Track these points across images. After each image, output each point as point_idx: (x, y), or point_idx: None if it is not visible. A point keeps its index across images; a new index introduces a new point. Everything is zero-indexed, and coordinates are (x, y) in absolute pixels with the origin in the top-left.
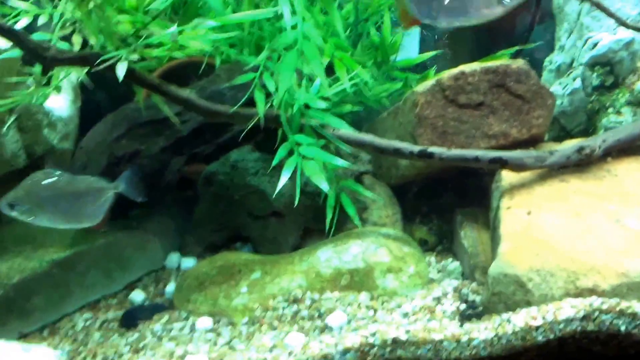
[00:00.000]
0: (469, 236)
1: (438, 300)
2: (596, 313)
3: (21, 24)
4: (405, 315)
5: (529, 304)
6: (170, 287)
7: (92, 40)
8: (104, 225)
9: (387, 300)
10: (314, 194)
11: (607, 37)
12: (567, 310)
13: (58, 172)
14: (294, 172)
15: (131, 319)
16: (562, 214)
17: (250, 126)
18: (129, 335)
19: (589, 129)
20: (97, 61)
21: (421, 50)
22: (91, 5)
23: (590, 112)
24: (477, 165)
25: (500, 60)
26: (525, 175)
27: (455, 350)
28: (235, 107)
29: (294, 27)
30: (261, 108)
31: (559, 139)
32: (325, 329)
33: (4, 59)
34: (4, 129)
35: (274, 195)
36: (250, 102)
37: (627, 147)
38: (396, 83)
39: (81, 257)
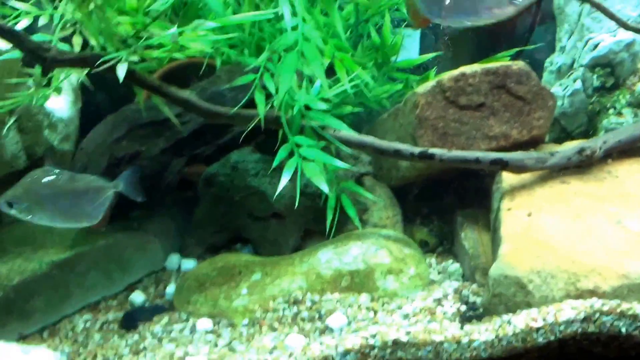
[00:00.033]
0: (470, 237)
1: (438, 301)
2: (597, 315)
3: (21, 25)
4: (406, 316)
5: (529, 305)
6: (171, 289)
7: (93, 42)
8: (103, 225)
9: (388, 302)
10: (314, 195)
11: (607, 38)
12: (568, 311)
13: (57, 171)
14: (295, 174)
15: (131, 321)
16: (562, 216)
17: (250, 127)
18: (129, 337)
19: (589, 130)
20: (98, 62)
21: (422, 52)
22: (91, 6)
23: (591, 114)
24: (477, 167)
25: (501, 62)
26: (526, 176)
27: (456, 351)
28: (236, 109)
29: (294, 28)
30: (261, 109)
31: (559, 140)
32: (325, 330)
33: (5, 60)
34: (5, 130)
35: (274, 197)
36: (251, 104)
37: (628, 149)
38: (397, 84)
39: (81, 258)
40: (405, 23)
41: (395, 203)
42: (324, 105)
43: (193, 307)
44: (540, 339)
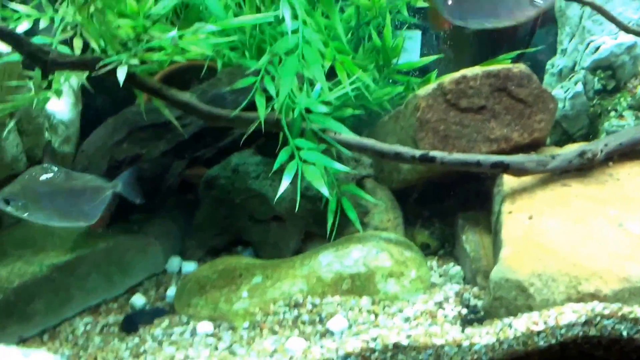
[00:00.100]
0: (471, 240)
1: (439, 304)
2: (598, 318)
3: (22, 27)
4: (407, 319)
5: (530, 308)
6: (171, 291)
7: (93, 44)
8: (102, 225)
9: (389, 305)
10: (315, 198)
11: (609, 41)
12: (569, 315)
13: (56, 168)
14: (295, 177)
15: (132, 324)
16: (563, 219)
17: (251, 130)
18: (129, 340)
19: (590, 133)
20: (98, 65)
21: (423, 54)
22: (92, 9)
23: (592, 116)
24: (478, 170)
25: (502, 64)
26: (527, 179)
27: (457, 355)
28: (236, 112)
29: (295, 31)
30: (262, 112)
31: (560, 142)
32: (326, 333)
33: (5, 62)
34: (5, 132)
35: (275, 200)
36: (252, 106)
37: (629, 151)
38: (398, 86)
39: (82, 261)
40: (407, 25)
41: (397, 206)
42: (324, 108)
43: (194, 310)
44: (542, 343)
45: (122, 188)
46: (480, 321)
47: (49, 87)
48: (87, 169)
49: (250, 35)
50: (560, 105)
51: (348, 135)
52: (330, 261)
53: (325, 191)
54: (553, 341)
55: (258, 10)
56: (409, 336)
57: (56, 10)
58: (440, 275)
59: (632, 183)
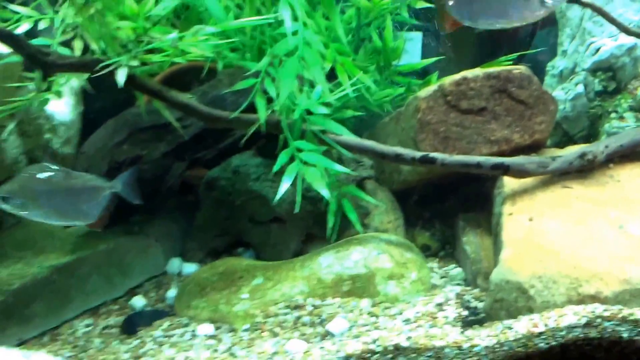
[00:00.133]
0: (472, 242)
1: (440, 306)
2: (598, 320)
3: (22, 29)
4: (407, 321)
5: (531, 310)
6: (172, 293)
7: (94, 46)
8: (101, 225)
9: (389, 307)
10: (315, 199)
11: (609, 42)
12: (570, 317)
13: (55, 167)
14: (296, 178)
15: (132, 325)
16: (564, 220)
17: (251, 132)
18: (129, 342)
19: (591, 135)
20: (98, 67)
21: (424, 56)
22: (92, 11)
23: (593, 118)
24: (479, 172)
25: (503, 66)
26: (528, 181)
27: (457, 357)
28: (236, 113)
29: (295, 33)
30: (262, 114)
31: (561, 144)
32: (326, 335)
33: (5, 64)
34: (5, 134)
35: (275, 201)
36: (253, 108)
37: (629, 153)
38: (398, 88)
39: (82, 262)
40: (407, 27)
41: (397, 207)
42: (325, 110)
43: (194, 312)
44: (542, 344)
45: (121, 188)
46: (481, 323)
47: (49, 88)
48: (88, 170)
49: (251, 37)
50: (560, 106)
51: (348, 136)
52: (330, 263)
53: (325, 193)
54: (554, 343)
55: (258, 12)
56: (409, 338)
57: (56, 12)
58: (441, 277)
59: (633, 185)
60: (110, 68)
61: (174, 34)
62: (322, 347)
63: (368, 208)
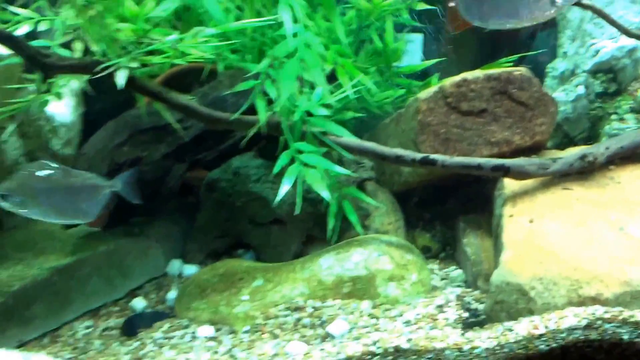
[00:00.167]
0: (472, 243)
1: (440, 308)
2: (599, 322)
3: (22, 30)
4: (408, 323)
5: (531, 312)
6: (172, 295)
7: (94, 48)
8: (100, 224)
9: (389, 308)
10: (316, 201)
11: (609, 44)
12: (570, 319)
13: (54, 165)
14: (296, 180)
15: (132, 327)
16: (564, 222)
17: (251, 133)
18: (129, 344)
19: (592, 136)
20: (98, 68)
21: (424, 57)
22: (92, 12)
23: (594, 119)
24: (479, 173)
25: (503, 68)
26: (528, 182)
27: (458, 359)
28: (236, 115)
29: (295, 35)
30: (262, 115)
31: (562, 145)
32: (326, 337)
33: (5, 65)
34: (5, 135)
35: (275, 203)
36: (253, 109)
37: (630, 154)
38: (399, 89)
39: (82, 264)
40: (408, 28)
41: (398, 208)
42: (325, 111)
43: (194, 314)
44: (543, 346)
45: (121, 187)
46: (481, 325)
47: (49, 90)
48: (88, 171)
49: (251, 38)
50: (561, 108)
51: (349, 138)
52: (331, 264)
53: (325, 194)
54: (554, 345)
55: (259, 14)
56: (409, 340)
57: (57, 14)
58: (442, 279)
59: (633, 186)
60: (110, 70)
61: (174, 36)
62: (322, 349)
63: (368, 209)
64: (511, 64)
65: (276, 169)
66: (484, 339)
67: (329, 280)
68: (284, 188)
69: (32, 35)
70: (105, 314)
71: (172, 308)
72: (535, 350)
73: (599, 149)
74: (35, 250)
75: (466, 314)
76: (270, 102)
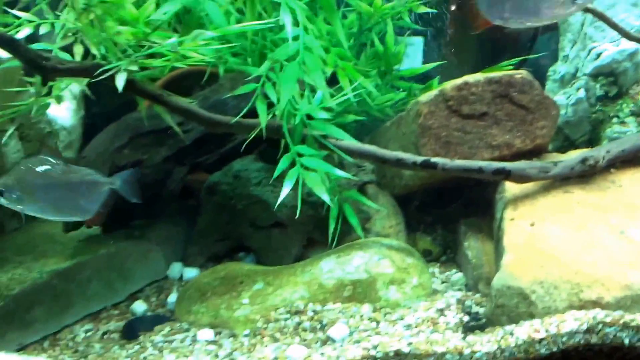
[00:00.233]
0: (473, 247)
1: (441, 311)
2: (600, 326)
3: (22, 34)
4: (408, 327)
5: (532, 316)
6: (173, 298)
7: (94, 51)
8: (98, 222)
9: (390, 312)
10: (316, 204)
11: (610, 47)
12: (571, 322)
13: (53, 160)
14: (296, 183)
15: (132, 330)
16: (565, 226)
17: (252, 136)
18: (129, 347)
19: (593, 139)
20: (98, 72)
21: (425, 60)
22: (92, 16)
23: (595, 122)
24: (480, 176)
25: (504, 71)
26: (529, 186)
27: None
28: (237, 118)
29: (295, 38)
30: (263, 118)
31: (563, 148)
32: (327, 341)
33: (5, 68)
34: (5, 138)
35: (276, 206)
36: (254, 112)
37: (631, 158)
38: (400, 93)
39: (82, 267)
40: (409, 31)
41: (399, 212)
42: (326, 115)
43: (194, 317)
44: (543, 350)
45: (120, 185)
46: (482, 328)
47: (49, 93)
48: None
49: (252, 42)
50: (562, 111)
51: (349, 141)
52: (331, 268)
53: (326, 198)
54: (555, 349)
55: (260, 16)
56: (410, 344)
57: (57, 17)
58: (442, 282)
59: (634, 190)
60: (110, 73)
61: (174, 39)
62: (322, 353)
63: (369, 213)
64: (512, 67)
65: (277, 172)
66: (484, 342)
67: (329, 283)
68: (285, 191)
69: (34, 38)
70: (106, 318)
71: (173, 311)
72: (536, 354)
73: (600, 153)
74: (35, 253)
75: (467, 318)
76: (270, 105)
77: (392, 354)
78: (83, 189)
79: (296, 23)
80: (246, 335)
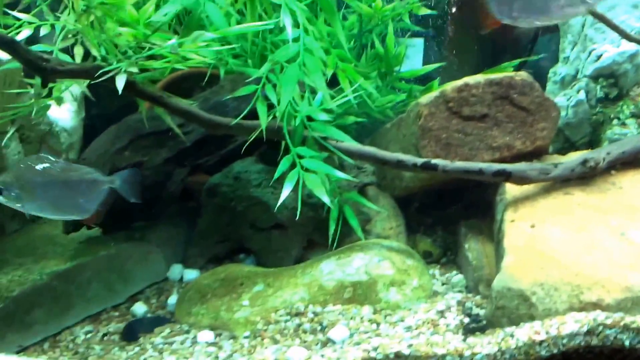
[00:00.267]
0: (473, 248)
1: (441, 313)
2: (600, 328)
3: (22, 35)
4: (408, 329)
5: (532, 318)
6: (173, 299)
7: (94, 52)
8: (97, 220)
9: (390, 314)
10: (317, 205)
11: (611, 49)
12: (571, 324)
13: (53, 158)
14: (297, 185)
15: (132, 332)
16: (566, 227)
17: (253, 138)
18: (129, 349)
19: (593, 141)
20: (98, 73)
21: (425, 62)
22: (92, 17)
23: (595, 124)
24: (480, 178)
25: (505, 72)
26: (530, 187)
27: None
28: (237, 120)
29: (296, 39)
30: (263, 120)
31: (563, 150)
32: (327, 342)
33: (6, 70)
34: (5, 140)
35: (276, 208)
36: (254, 114)
37: (632, 160)
38: (400, 94)
39: (83, 269)
40: (409, 33)
41: (399, 213)
42: (326, 116)
43: (194, 319)
44: (543, 352)
45: (119, 184)
46: (483, 330)
47: (49, 95)
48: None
49: (253, 43)
50: (563, 113)
51: (350, 143)
52: (332, 269)
53: (326, 199)
54: (555, 351)
55: (260, 18)
56: (410, 345)
57: (57, 18)
58: (443, 284)
59: (635, 191)
60: (110, 74)
61: (174, 40)
62: (322, 355)
63: (369, 214)
64: (512, 68)
65: (277, 173)
66: (485, 344)
67: (329, 285)
68: (285, 193)
69: (34, 39)
70: (106, 319)
71: (173, 313)
72: (537, 356)
73: (601, 154)
74: (35, 255)
75: (467, 320)
76: (271, 106)
77: (392, 355)
78: (82, 188)
79: (296, 24)
80: (246, 337)
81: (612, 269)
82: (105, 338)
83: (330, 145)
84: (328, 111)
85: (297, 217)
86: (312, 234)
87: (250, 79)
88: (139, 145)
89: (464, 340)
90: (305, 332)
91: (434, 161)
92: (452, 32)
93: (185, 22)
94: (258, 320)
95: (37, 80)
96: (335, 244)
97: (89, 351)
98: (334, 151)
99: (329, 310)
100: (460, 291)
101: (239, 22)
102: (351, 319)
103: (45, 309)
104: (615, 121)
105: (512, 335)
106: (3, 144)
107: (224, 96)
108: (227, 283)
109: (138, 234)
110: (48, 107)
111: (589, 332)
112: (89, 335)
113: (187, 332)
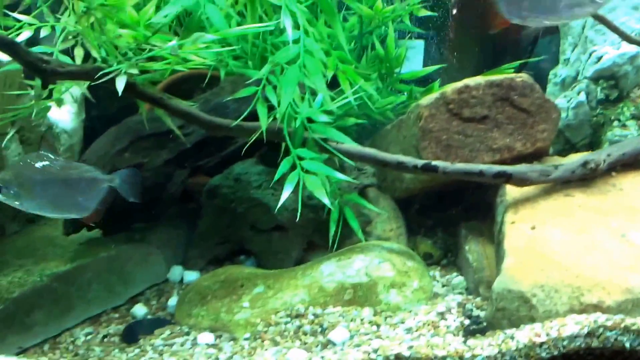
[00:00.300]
0: (474, 250)
1: (442, 315)
2: (600, 329)
3: (23, 36)
4: (409, 330)
5: (533, 320)
6: (173, 301)
7: (94, 54)
8: (95, 219)
9: (391, 316)
10: (317, 207)
11: (611, 51)
12: (571, 326)
13: (52, 156)
14: (297, 186)
15: (132, 334)
16: (566, 229)
17: (253, 139)
18: (129, 350)
19: (593, 143)
20: (98, 75)
21: (426, 63)
22: (92, 19)
23: (595, 126)
24: (481, 180)
25: (505, 74)
26: (530, 189)
27: None
28: (237, 121)
29: (296, 41)
30: (264, 122)
31: (564, 152)
32: (327, 344)
33: (6, 71)
34: (5, 141)
35: (276, 209)
36: (255, 116)
37: (632, 161)
38: (400, 96)
39: (83, 270)
40: (409, 35)
41: (399, 215)
42: (326, 118)
43: (195, 320)
44: (544, 354)
45: (118, 183)
46: (483, 332)
47: (50, 96)
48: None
49: (253, 45)
50: (563, 114)
51: (350, 144)
52: (332, 271)
53: (326, 201)
54: (555, 353)
55: (260, 20)
56: (410, 347)
57: (58, 20)
58: (443, 285)
59: (635, 193)
60: (111, 76)
61: (174, 42)
62: (323, 357)
63: (370, 216)
64: (513, 70)
65: (277, 175)
66: (485, 346)
67: (330, 287)
68: (285, 194)
69: (34, 41)
70: (106, 321)
71: (173, 315)
72: (537, 358)
73: (601, 156)
74: (35, 256)
75: (468, 321)
76: (271, 108)
77: (392, 357)
78: (82, 186)
79: (297, 26)
80: (246, 339)
81: (613, 271)
82: (105, 340)
83: (330, 146)
84: (328, 113)
85: (298, 219)
86: (313, 235)
87: (250, 81)
88: (139, 147)
89: (464, 342)
90: (305, 333)
91: (434, 163)
92: (452, 34)
93: (185, 24)
94: (258, 322)
95: (37, 82)
96: (335, 246)
97: (89, 353)
98: (335, 153)
99: (329, 312)
100: (460, 293)
101: (239, 24)
102: (351, 320)
103: (46, 311)
104: (615, 123)
105: (512, 337)
106: (3, 145)
107: (224, 98)
108: (228, 285)
109: (138, 235)
110: (48, 108)
111: (590, 334)
112: (89, 337)
113: (187, 333)
